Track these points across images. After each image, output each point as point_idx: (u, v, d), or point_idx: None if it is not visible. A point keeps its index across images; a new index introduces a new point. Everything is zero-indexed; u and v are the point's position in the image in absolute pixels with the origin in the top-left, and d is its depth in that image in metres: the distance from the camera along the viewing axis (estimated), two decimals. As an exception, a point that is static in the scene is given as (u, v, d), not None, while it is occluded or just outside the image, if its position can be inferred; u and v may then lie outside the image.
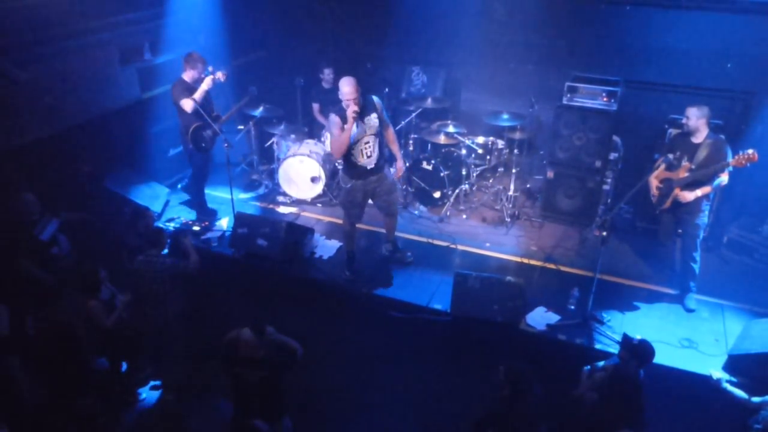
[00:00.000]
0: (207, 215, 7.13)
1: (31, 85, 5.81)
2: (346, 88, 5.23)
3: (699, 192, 5.20)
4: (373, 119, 5.48)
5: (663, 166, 5.40)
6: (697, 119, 5.18)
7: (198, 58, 6.43)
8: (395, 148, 5.85)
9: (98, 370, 5.34)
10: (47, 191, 5.87)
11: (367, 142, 5.52)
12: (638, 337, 4.29)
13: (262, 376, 4.19)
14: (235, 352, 4.19)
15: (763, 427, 4.05)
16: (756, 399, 4.23)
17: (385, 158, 5.86)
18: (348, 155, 5.53)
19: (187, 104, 6.28)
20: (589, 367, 4.61)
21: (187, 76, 6.45)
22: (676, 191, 5.31)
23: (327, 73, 7.92)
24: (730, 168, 5.08)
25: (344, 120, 5.30)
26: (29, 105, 5.84)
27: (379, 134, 5.60)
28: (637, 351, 4.21)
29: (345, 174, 5.77)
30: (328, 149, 7.60)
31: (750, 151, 4.83)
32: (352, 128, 5.31)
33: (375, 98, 5.56)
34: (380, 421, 5.14)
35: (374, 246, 6.71)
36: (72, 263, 5.74)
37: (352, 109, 5.21)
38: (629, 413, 4.15)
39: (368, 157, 5.57)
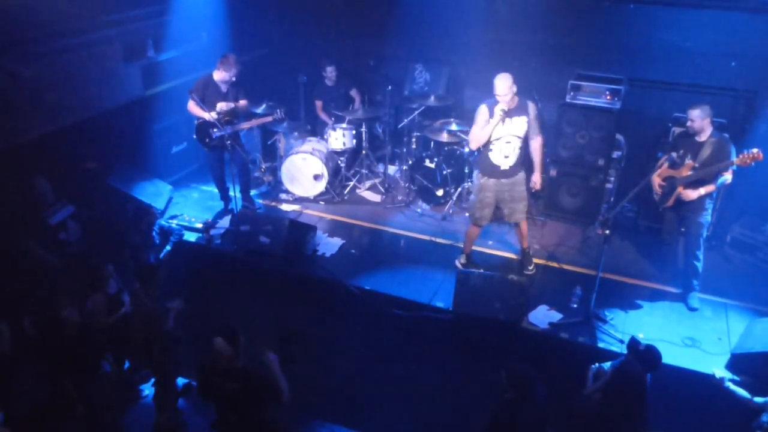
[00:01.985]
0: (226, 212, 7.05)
1: (35, 81, 5.81)
2: (499, 87, 5.23)
3: (702, 190, 5.18)
4: (520, 122, 5.42)
5: (666, 165, 5.39)
6: (701, 120, 5.14)
7: (233, 62, 6.37)
8: (537, 158, 5.70)
9: (100, 367, 5.34)
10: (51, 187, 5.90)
11: (508, 142, 5.44)
12: (640, 336, 4.27)
13: (236, 387, 3.87)
14: (214, 362, 3.92)
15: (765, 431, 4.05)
16: (759, 399, 4.21)
17: (525, 166, 5.72)
18: (486, 149, 5.49)
19: (190, 102, 6.35)
20: (596, 365, 4.60)
21: (217, 75, 6.43)
22: (679, 189, 5.29)
23: (329, 71, 7.91)
24: (735, 167, 5.07)
25: (492, 113, 5.31)
26: (33, 102, 5.85)
27: (525, 139, 5.52)
28: (643, 357, 4.20)
29: (477, 169, 5.66)
30: (331, 147, 7.62)
31: (755, 150, 4.81)
32: (495, 125, 5.32)
33: (530, 103, 5.51)
34: (382, 418, 5.16)
35: (375, 244, 6.71)
36: (79, 251, 5.75)
37: (500, 107, 5.24)
38: (633, 413, 4.14)
39: (505, 157, 5.49)
